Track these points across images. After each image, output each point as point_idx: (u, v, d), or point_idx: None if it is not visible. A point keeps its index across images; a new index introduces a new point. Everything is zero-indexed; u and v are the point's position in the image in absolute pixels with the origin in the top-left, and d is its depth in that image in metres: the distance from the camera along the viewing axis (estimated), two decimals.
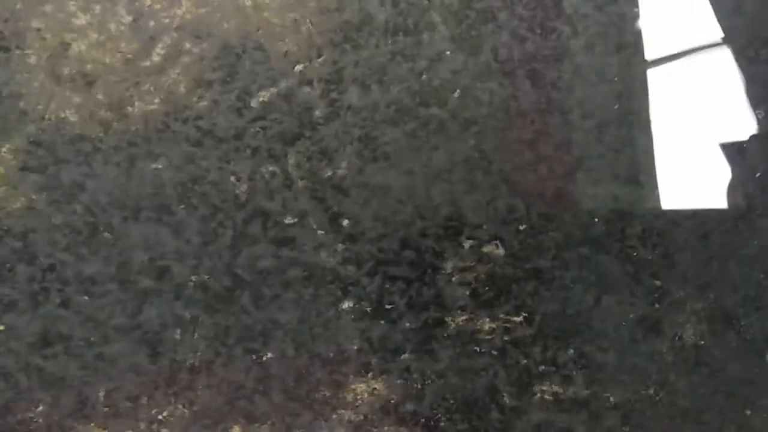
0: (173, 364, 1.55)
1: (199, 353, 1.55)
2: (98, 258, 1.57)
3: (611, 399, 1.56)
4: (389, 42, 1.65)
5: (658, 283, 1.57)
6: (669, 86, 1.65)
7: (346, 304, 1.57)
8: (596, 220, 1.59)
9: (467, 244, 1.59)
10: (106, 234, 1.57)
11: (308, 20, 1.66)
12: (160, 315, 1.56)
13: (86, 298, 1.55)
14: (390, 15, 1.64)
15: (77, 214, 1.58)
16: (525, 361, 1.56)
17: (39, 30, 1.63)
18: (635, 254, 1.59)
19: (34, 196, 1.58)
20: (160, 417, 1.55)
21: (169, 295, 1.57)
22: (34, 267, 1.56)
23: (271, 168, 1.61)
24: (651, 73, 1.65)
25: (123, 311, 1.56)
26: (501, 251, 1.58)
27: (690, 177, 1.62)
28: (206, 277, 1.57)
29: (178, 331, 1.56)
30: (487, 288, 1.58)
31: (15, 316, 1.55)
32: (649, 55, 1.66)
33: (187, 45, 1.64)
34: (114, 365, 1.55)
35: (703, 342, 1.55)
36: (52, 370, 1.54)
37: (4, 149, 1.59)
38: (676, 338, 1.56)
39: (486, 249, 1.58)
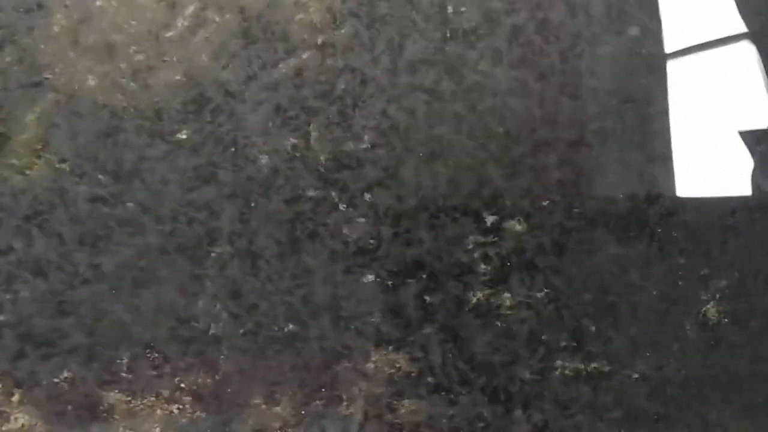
0: (196, 334, 1.57)
1: (221, 324, 1.57)
2: (123, 227, 1.58)
3: (633, 375, 1.56)
4: (412, 14, 1.64)
5: (681, 260, 1.56)
6: (689, 75, 1.64)
7: (368, 277, 1.58)
8: (620, 196, 1.59)
9: (489, 219, 1.58)
10: (129, 204, 1.58)
11: None
12: (182, 286, 1.57)
13: (110, 267, 1.57)
14: None
15: (101, 184, 1.59)
16: (546, 336, 1.56)
17: None
18: (659, 232, 1.58)
19: (57, 165, 1.59)
20: (182, 385, 1.56)
21: (190, 266, 1.57)
22: (55, 235, 1.57)
23: (293, 141, 1.60)
24: (672, 62, 1.64)
25: (146, 281, 1.57)
26: (523, 227, 1.58)
27: (711, 163, 1.62)
28: (228, 248, 1.58)
29: (200, 302, 1.57)
30: (509, 263, 1.57)
31: (39, 281, 1.56)
32: (670, 45, 1.65)
33: (210, 15, 1.63)
34: (137, 334, 1.57)
35: (726, 320, 1.55)
36: (77, 337, 1.56)
37: (28, 117, 1.60)
38: (699, 315, 1.56)
39: (508, 224, 1.58)
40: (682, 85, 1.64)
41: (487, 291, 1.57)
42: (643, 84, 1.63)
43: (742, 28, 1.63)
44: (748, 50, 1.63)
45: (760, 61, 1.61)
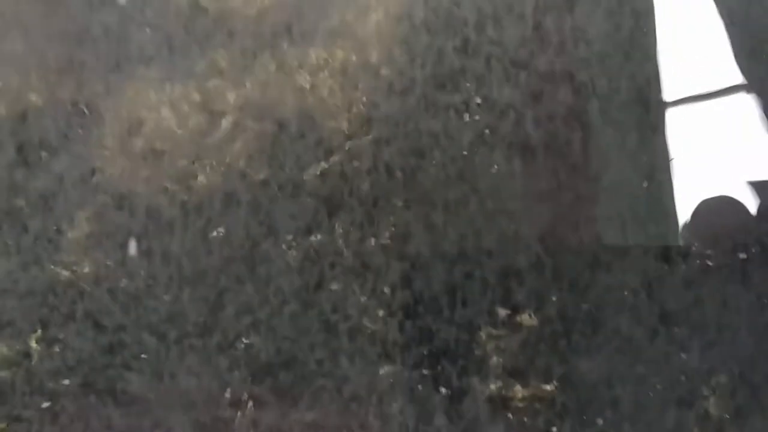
0: (222, 415, 1.64)
1: (247, 413, 1.64)
2: (157, 319, 1.68)
3: None
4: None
5: (684, 356, 1.61)
6: (690, 126, 1.70)
7: (385, 368, 1.65)
8: (626, 293, 1.66)
9: (502, 313, 1.66)
10: (165, 297, 1.69)
11: (361, 100, 1.80)
12: (209, 373, 1.66)
13: (144, 356, 1.67)
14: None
15: (142, 278, 1.71)
16: (555, 428, 1.61)
17: (115, 108, 1.80)
18: (664, 329, 1.64)
19: (107, 263, 1.71)
20: None
21: (217, 355, 1.66)
22: (98, 325, 1.68)
23: (319, 237, 1.72)
24: (672, 113, 1.70)
25: (177, 370, 1.66)
26: (534, 321, 1.66)
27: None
28: (256, 340, 1.67)
29: (228, 390, 1.65)
30: (520, 356, 1.64)
31: (78, 369, 1.66)
32: (670, 95, 1.72)
33: (249, 123, 1.78)
34: (164, 419, 1.64)
35: (727, 416, 1.58)
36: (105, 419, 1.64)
37: (79, 217, 1.74)
38: (702, 411, 1.59)
39: (520, 318, 1.66)
40: (682, 134, 1.69)
41: (499, 383, 1.63)
42: (645, 137, 1.70)
43: (740, 79, 1.69)
44: (747, 101, 1.68)
45: (761, 111, 1.66)
